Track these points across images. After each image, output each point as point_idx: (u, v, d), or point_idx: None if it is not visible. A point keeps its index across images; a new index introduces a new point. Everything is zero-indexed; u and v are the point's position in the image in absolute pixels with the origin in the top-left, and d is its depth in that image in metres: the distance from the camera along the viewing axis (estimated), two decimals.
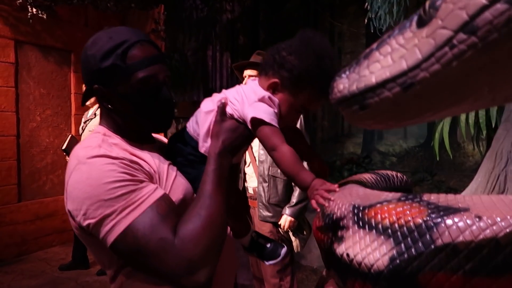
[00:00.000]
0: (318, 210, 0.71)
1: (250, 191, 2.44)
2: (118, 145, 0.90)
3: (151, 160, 0.91)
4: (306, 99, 0.90)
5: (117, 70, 0.88)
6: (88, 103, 3.56)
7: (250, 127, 0.88)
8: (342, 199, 0.65)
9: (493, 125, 2.27)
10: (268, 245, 1.13)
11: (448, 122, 2.34)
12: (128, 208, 0.78)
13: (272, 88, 0.90)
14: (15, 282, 3.60)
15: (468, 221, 0.45)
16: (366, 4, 2.89)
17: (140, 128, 0.97)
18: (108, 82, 0.90)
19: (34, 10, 3.21)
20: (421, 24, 0.43)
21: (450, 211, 0.48)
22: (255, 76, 2.27)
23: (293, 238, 2.33)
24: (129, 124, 0.95)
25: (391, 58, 0.46)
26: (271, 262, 1.13)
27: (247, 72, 2.33)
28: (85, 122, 3.65)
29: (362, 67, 0.50)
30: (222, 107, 0.91)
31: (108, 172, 0.80)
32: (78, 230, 0.86)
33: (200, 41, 4.56)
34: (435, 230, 0.46)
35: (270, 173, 2.30)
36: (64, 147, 3.48)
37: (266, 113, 0.85)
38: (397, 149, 5.09)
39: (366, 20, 2.91)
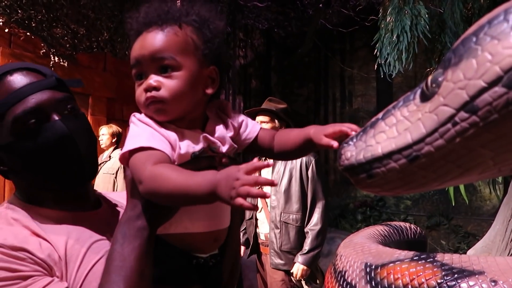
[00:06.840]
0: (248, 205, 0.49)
1: (262, 237, 2.42)
2: (18, 221, 0.69)
3: (61, 241, 0.68)
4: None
5: None
6: (103, 146, 3.61)
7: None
8: (354, 256, 0.65)
9: None
10: None
11: None
12: None
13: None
14: None
15: (484, 285, 0.44)
16: (376, 50, 2.96)
17: (44, 188, 0.73)
18: None
19: (56, 58, 3.38)
20: (424, 98, 0.45)
21: (465, 273, 0.47)
22: (267, 122, 2.31)
23: (305, 287, 2.27)
24: (33, 187, 0.73)
25: (396, 129, 0.47)
26: None
27: (259, 118, 2.36)
28: (99, 165, 3.66)
29: (369, 136, 0.51)
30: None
31: None
32: None
33: None
34: None
35: (282, 219, 2.29)
36: None
37: (130, 139, 0.62)
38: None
39: (375, 66, 2.97)
